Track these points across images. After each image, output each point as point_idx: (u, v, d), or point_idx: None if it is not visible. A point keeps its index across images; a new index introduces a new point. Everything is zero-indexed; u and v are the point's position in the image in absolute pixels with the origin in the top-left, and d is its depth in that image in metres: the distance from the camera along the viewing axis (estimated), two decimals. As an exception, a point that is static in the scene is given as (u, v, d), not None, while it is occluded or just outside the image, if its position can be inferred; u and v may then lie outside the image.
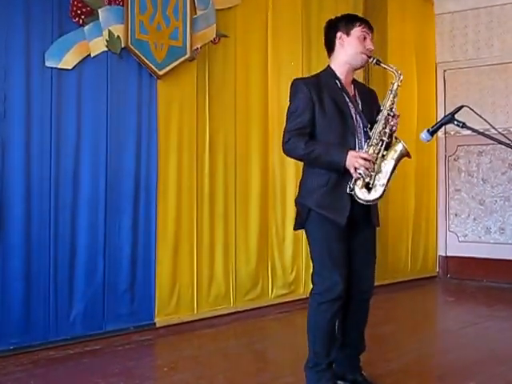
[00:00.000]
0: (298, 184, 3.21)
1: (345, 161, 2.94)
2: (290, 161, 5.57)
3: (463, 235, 7.00)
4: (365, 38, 3.11)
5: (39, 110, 3.99)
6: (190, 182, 4.81)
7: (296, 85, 3.10)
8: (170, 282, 4.67)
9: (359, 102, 3.13)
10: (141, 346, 4.21)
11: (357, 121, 3.07)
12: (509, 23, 6.70)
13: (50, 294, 4.02)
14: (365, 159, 2.94)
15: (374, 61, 3.10)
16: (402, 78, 3.08)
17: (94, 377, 3.53)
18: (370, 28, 3.16)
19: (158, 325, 4.57)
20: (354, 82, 3.21)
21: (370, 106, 3.17)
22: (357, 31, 3.10)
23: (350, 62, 3.13)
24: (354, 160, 2.93)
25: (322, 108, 3.02)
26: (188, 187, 4.79)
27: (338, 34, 3.12)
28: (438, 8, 7.16)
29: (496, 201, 6.79)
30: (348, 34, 3.11)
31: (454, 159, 7.08)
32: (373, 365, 3.31)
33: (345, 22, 3.13)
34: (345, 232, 3.03)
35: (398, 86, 3.09)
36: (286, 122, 3.08)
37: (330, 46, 3.19)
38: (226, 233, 5.04)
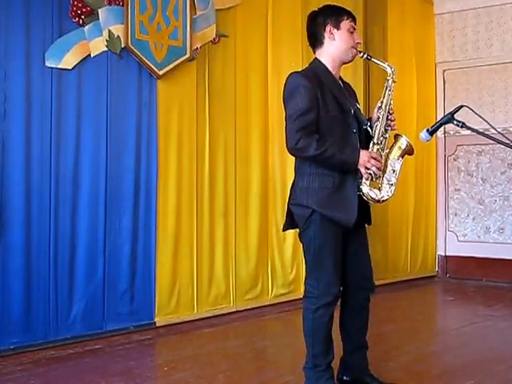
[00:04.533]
0: (291, 187, 3.09)
1: (357, 160, 2.90)
2: (290, 161, 5.57)
3: (462, 235, 7.00)
4: (352, 32, 3.02)
5: (39, 110, 3.99)
6: (189, 181, 4.81)
7: (297, 79, 2.94)
8: (170, 282, 4.67)
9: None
10: (141, 346, 4.21)
11: (356, 118, 3.03)
12: (508, 23, 6.71)
13: (50, 294, 4.03)
14: (375, 159, 2.93)
15: (365, 55, 3.04)
16: (395, 72, 3.01)
17: (94, 376, 3.53)
18: (355, 20, 3.07)
19: (158, 324, 4.58)
20: (340, 77, 3.13)
21: (356, 102, 3.14)
22: (346, 24, 3.01)
23: (340, 57, 3.03)
24: (366, 159, 2.90)
25: (325, 106, 2.91)
26: (188, 187, 4.80)
27: (328, 28, 3.00)
28: (437, 8, 7.16)
29: (495, 200, 6.79)
30: (338, 27, 3.00)
31: (454, 159, 7.08)
32: (372, 364, 3.31)
33: (333, 15, 3.01)
34: (342, 233, 2.99)
35: (394, 81, 3.04)
36: (290, 120, 2.90)
37: (316, 40, 3.06)
38: (225, 232, 5.05)
